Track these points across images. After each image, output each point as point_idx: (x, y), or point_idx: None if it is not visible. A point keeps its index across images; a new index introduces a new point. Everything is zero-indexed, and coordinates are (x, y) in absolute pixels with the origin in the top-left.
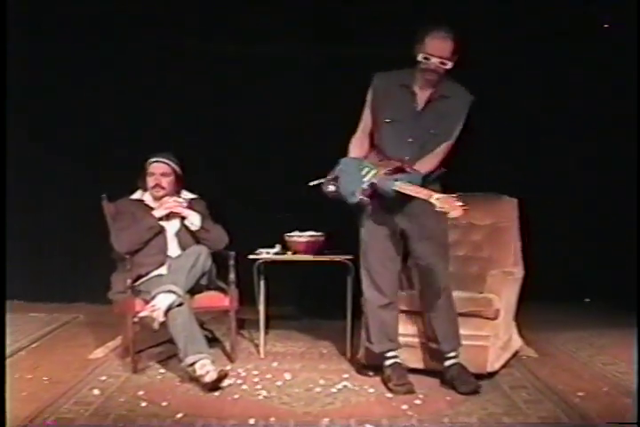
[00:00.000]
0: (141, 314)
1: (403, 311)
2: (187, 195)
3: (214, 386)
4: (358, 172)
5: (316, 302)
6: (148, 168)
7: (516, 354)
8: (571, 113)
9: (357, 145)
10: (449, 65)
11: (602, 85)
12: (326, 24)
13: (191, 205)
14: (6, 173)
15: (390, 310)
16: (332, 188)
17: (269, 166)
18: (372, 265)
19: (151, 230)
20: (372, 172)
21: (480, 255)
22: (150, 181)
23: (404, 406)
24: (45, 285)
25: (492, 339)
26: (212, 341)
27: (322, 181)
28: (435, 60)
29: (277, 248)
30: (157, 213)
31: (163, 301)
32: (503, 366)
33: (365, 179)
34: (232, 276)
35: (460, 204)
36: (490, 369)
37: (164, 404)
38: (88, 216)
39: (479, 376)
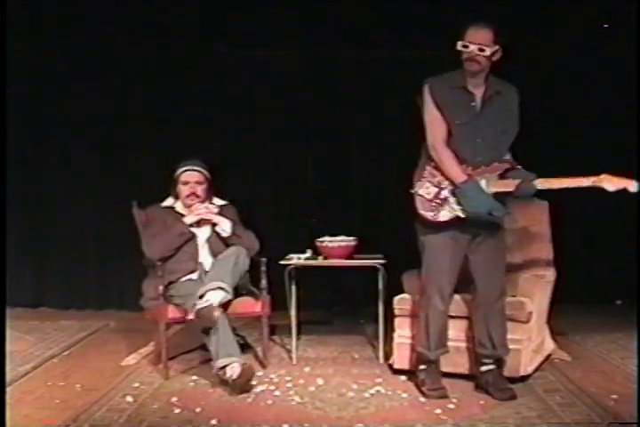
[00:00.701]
0: (198, 306)
1: None
2: (218, 201)
3: (244, 387)
4: (482, 189)
5: (348, 307)
6: (181, 177)
7: (548, 357)
8: (570, 113)
9: (450, 153)
10: (487, 51)
11: (601, 85)
12: (332, 27)
13: (222, 211)
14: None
15: (447, 315)
16: (448, 214)
17: (298, 171)
18: (443, 269)
19: (182, 237)
20: (484, 182)
21: (512, 258)
22: (185, 190)
23: (438, 411)
24: (75, 292)
25: (524, 342)
26: (244, 347)
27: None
28: (473, 48)
29: (308, 253)
30: (188, 220)
31: (215, 296)
32: (536, 370)
33: (489, 191)
34: (264, 282)
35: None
36: (523, 373)
37: (198, 410)
38: (118, 223)
39: (513, 380)
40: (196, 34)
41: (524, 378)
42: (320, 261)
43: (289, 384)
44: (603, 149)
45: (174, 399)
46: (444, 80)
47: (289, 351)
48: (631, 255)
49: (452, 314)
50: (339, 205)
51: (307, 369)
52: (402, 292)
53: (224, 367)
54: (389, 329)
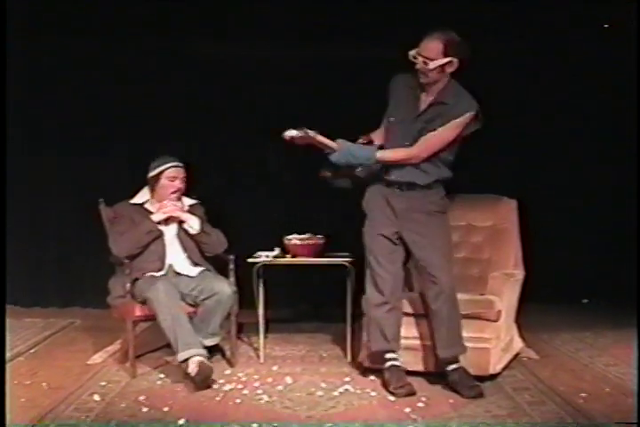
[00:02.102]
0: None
1: (405, 314)
2: (187, 200)
3: (203, 384)
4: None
5: (316, 305)
6: (168, 172)
7: (517, 356)
8: (570, 113)
9: (376, 135)
10: (430, 65)
11: (601, 85)
12: (320, 24)
13: (190, 210)
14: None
15: (388, 310)
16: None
17: (267, 169)
18: (373, 266)
19: (150, 234)
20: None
21: (480, 257)
22: (171, 186)
23: (408, 409)
24: (40, 290)
25: (493, 341)
26: (212, 345)
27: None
28: (420, 60)
29: (277, 251)
30: (156, 218)
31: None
32: (505, 368)
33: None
34: (232, 279)
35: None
36: (492, 371)
37: (166, 409)
38: (84, 221)
39: (482, 378)
40: (166, 32)
41: (493, 377)
42: (288, 260)
43: (257, 383)
44: (603, 148)
45: (142, 398)
46: (405, 79)
47: (256, 350)
48: (599, 254)
49: (414, 312)
50: (307, 202)
51: (275, 368)
52: None
53: (186, 361)
54: (357, 328)
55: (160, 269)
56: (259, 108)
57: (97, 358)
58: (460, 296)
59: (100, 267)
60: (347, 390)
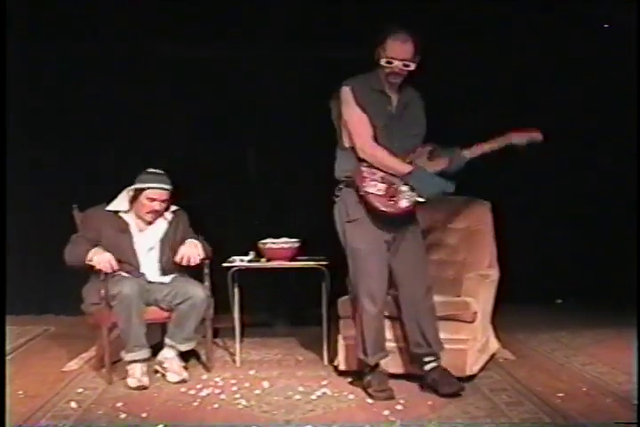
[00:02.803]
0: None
1: (385, 317)
2: (171, 207)
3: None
4: (426, 172)
5: (291, 309)
6: (147, 193)
7: (493, 356)
8: (542, 113)
9: (384, 150)
10: (412, 66)
11: (601, 85)
12: (312, 25)
13: (175, 217)
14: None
15: (381, 318)
16: (406, 203)
17: (241, 172)
18: (371, 274)
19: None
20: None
21: (456, 259)
22: (147, 207)
23: (386, 412)
24: (14, 297)
25: (470, 342)
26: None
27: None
28: (398, 64)
29: (251, 255)
30: (94, 260)
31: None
32: (482, 369)
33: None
34: (207, 284)
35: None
36: (469, 372)
37: (144, 415)
38: (59, 227)
39: (459, 379)
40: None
41: (470, 378)
42: (263, 264)
43: (234, 388)
44: (602, 148)
45: (119, 404)
46: (364, 81)
47: (232, 354)
48: (573, 254)
49: (390, 315)
50: (282, 206)
51: (251, 372)
52: (346, 293)
53: (130, 363)
54: (333, 331)
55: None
56: (233, 110)
57: (72, 364)
58: (435, 298)
59: (73, 274)
60: (324, 393)
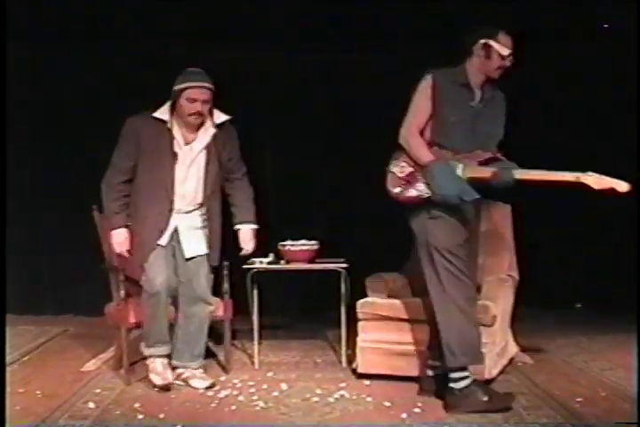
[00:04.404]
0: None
1: (399, 320)
2: (220, 116)
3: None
4: (453, 172)
5: (310, 311)
6: (188, 93)
7: (511, 360)
8: (568, 114)
9: (421, 140)
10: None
11: (601, 86)
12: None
13: (220, 131)
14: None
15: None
16: (414, 192)
17: (261, 174)
18: (462, 269)
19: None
20: (461, 166)
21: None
22: (190, 108)
23: (404, 415)
24: (34, 297)
25: (489, 346)
26: (206, 351)
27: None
28: (510, 58)
29: (271, 257)
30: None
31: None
32: (500, 373)
33: (464, 176)
34: (226, 286)
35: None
36: (488, 376)
37: (162, 416)
38: (77, 226)
39: None
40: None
41: (488, 381)
42: (282, 266)
43: (252, 389)
44: (602, 148)
45: (137, 405)
46: (448, 75)
47: (251, 356)
48: (592, 259)
49: (409, 318)
50: (301, 208)
51: (269, 374)
52: (365, 296)
53: (149, 357)
54: (352, 333)
55: (161, 233)
56: (253, 111)
57: (91, 365)
58: None
59: (93, 274)
60: (342, 395)
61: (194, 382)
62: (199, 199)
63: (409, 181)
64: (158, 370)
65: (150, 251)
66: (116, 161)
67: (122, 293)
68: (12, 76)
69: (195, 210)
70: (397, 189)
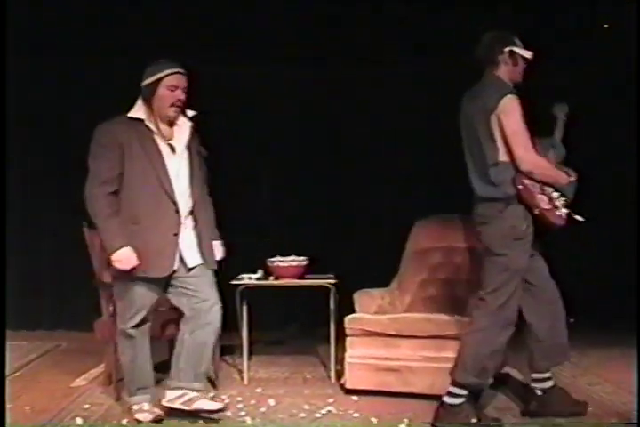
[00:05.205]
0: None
1: (389, 336)
2: (190, 112)
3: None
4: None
5: (300, 327)
6: (168, 80)
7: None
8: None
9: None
10: None
11: (601, 86)
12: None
13: (194, 125)
14: None
15: None
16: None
17: (250, 190)
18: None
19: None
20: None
21: (462, 278)
22: (169, 98)
23: None
24: (27, 313)
25: None
26: None
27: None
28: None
29: (260, 273)
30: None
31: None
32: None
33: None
34: None
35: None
36: None
37: None
38: (70, 241)
39: None
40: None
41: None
42: (271, 282)
43: (240, 405)
44: (602, 148)
45: (125, 421)
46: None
47: (240, 372)
48: (583, 273)
49: (394, 333)
50: (290, 224)
51: (258, 390)
52: (353, 311)
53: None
54: (341, 349)
55: (176, 236)
56: (248, 124)
57: (81, 380)
58: (441, 317)
59: (86, 290)
60: (330, 411)
61: (201, 404)
62: (192, 199)
63: (554, 205)
64: (145, 408)
65: (170, 257)
66: (100, 172)
67: (111, 308)
68: (11, 76)
69: (190, 212)
70: (558, 220)
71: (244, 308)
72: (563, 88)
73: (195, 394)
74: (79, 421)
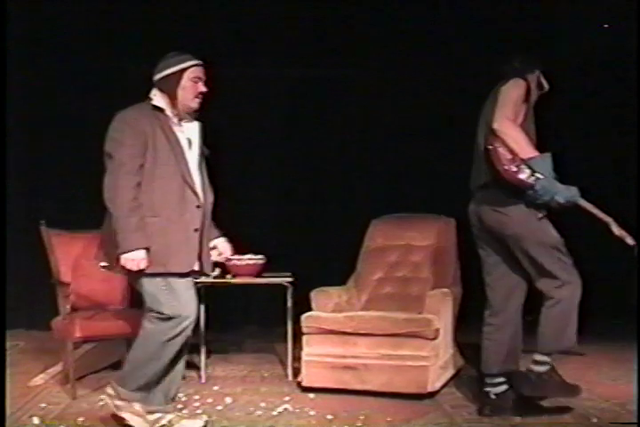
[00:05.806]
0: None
1: (346, 333)
2: None
3: None
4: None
5: (260, 325)
6: (192, 71)
7: (457, 373)
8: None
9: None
10: None
11: (601, 86)
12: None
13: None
14: None
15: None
16: (523, 176)
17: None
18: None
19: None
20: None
21: (419, 276)
22: (194, 89)
23: None
24: None
25: (432, 359)
26: None
27: None
28: None
29: (217, 272)
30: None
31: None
32: (444, 386)
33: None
34: None
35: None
36: (431, 389)
37: None
38: (27, 239)
39: (420, 396)
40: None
41: (431, 394)
42: (228, 280)
43: (197, 403)
44: (602, 148)
45: (81, 419)
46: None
47: (198, 370)
48: (582, 273)
49: (351, 331)
50: (247, 223)
51: (215, 388)
52: (310, 309)
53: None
54: (299, 347)
55: (196, 231)
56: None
57: (38, 380)
58: (397, 315)
59: (44, 288)
60: (286, 409)
61: (184, 424)
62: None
63: (518, 164)
64: (140, 413)
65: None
66: (126, 160)
67: (67, 307)
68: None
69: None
70: (513, 168)
71: (202, 306)
72: (562, 88)
73: (171, 416)
74: (36, 420)
